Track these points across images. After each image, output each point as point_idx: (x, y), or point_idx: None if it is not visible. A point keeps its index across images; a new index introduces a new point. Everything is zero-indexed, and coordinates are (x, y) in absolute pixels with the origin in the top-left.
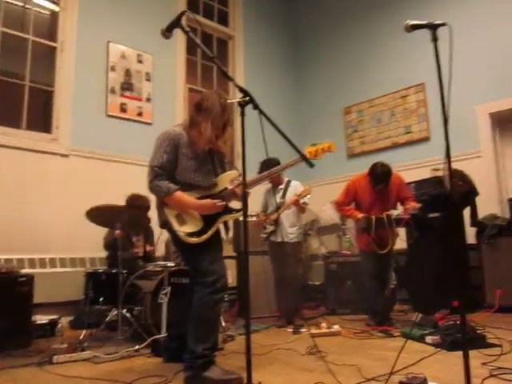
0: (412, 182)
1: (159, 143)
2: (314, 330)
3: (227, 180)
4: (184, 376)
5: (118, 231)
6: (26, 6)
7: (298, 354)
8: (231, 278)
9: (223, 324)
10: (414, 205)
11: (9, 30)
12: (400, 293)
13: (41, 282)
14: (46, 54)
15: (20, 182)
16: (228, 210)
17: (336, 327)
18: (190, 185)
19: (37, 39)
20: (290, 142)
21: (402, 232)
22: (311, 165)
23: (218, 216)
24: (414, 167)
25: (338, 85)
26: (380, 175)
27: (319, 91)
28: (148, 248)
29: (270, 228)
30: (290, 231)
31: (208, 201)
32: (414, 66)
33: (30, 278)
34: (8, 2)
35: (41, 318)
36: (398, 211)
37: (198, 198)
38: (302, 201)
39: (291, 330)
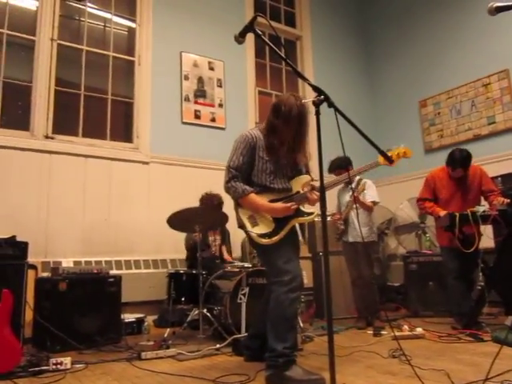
0: (498, 176)
1: (236, 145)
2: (396, 333)
3: (300, 184)
4: (266, 375)
5: (197, 234)
6: (107, 25)
7: (380, 357)
8: (307, 279)
9: (301, 325)
10: (501, 200)
11: (92, 49)
12: (489, 294)
13: (127, 283)
14: (125, 68)
15: (106, 190)
16: (300, 213)
17: (419, 330)
18: (264, 187)
19: (116, 55)
20: (367, 138)
21: (488, 229)
22: (390, 161)
23: (290, 218)
24: (499, 160)
25: (412, 77)
26: (458, 159)
27: (392, 85)
28: (226, 256)
29: (342, 228)
30: (362, 230)
31: (279, 204)
32: (495, 51)
33: (118, 279)
34: (91, 23)
35: (128, 317)
36: (483, 207)
37: (271, 201)
38: (369, 199)
39: (371, 331)
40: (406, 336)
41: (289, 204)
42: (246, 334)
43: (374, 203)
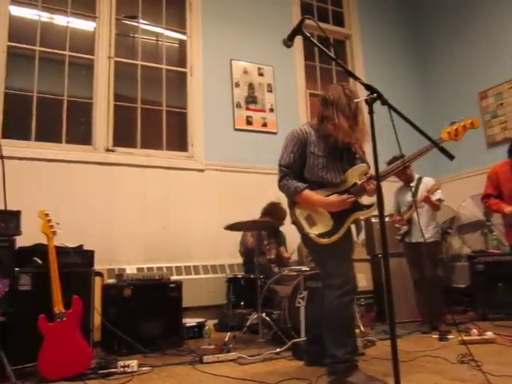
0: None
1: (287, 142)
2: (464, 337)
3: (356, 175)
4: (327, 381)
5: (250, 240)
6: (159, 39)
7: (448, 362)
8: (366, 282)
9: (362, 329)
10: None
11: (146, 63)
12: None
13: (187, 288)
14: (178, 79)
15: (164, 198)
16: (359, 207)
17: (489, 334)
18: (318, 183)
19: (169, 67)
20: (423, 133)
21: None
22: (451, 157)
23: (349, 214)
24: None
25: (470, 68)
26: None
27: (449, 78)
28: (285, 255)
29: (404, 228)
30: (425, 231)
31: (335, 197)
32: None
33: (178, 284)
34: (144, 39)
35: (190, 321)
36: None
37: (327, 196)
38: (434, 197)
39: (437, 336)
40: (475, 340)
41: (344, 196)
42: (305, 338)
43: (440, 201)
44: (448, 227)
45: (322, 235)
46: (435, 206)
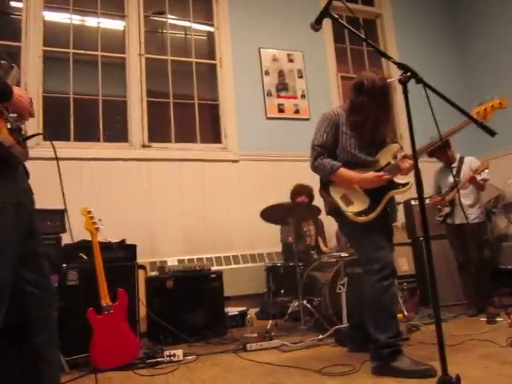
0: None
1: (320, 124)
2: None
3: (390, 154)
4: (372, 366)
5: (290, 238)
6: (187, 33)
7: (497, 346)
8: (408, 266)
9: (406, 313)
10: None
11: (176, 58)
12: None
13: (228, 278)
14: (208, 71)
15: (201, 190)
16: (394, 185)
17: None
18: (352, 162)
19: (199, 60)
20: (463, 111)
21: None
22: (492, 133)
23: (385, 192)
24: None
25: (509, 50)
26: None
27: (487, 60)
28: (324, 249)
29: (446, 210)
30: (469, 211)
31: (371, 173)
32: None
33: (219, 274)
34: (172, 33)
35: (232, 310)
36: None
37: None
38: (479, 177)
39: (484, 319)
40: None
41: (381, 173)
42: (347, 325)
43: (485, 180)
44: (493, 207)
45: (359, 213)
46: (480, 187)
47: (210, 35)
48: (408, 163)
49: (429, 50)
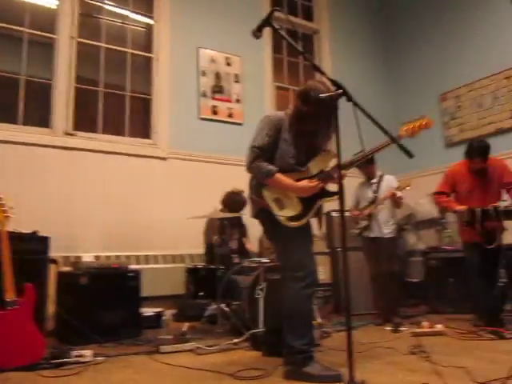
0: None
1: (262, 125)
2: (415, 329)
3: (323, 162)
4: (284, 370)
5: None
6: (125, 22)
7: (400, 354)
8: (325, 274)
9: (319, 320)
10: None
11: (110, 46)
12: (511, 291)
13: (146, 277)
14: (143, 64)
15: (126, 186)
16: (326, 193)
17: (439, 326)
18: (286, 170)
19: (135, 51)
20: (386, 132)
21: (510, 225)
22: (410, 155)
23: (317, 198)
24: None
25: (432, 71)
26: (476, 148)
27: (412, 79)
28: (248, 245)
29: (364, 223)
30: (384, 226)
31: (306, 182)
32: None
33: (137, 273)
34: (109, 20)
35: (148, 311)
36: (506, 202)
37: (295, 181)
38: (399, 194)
39: (390, 328)
40: (426, 333)
41: (314, 183)
42: (263, 329)
43: (401, 199)
44: (405, 223)
45: (291, 218)
46: (398, 204)
47: (149, 28)
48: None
49: (361, 68)
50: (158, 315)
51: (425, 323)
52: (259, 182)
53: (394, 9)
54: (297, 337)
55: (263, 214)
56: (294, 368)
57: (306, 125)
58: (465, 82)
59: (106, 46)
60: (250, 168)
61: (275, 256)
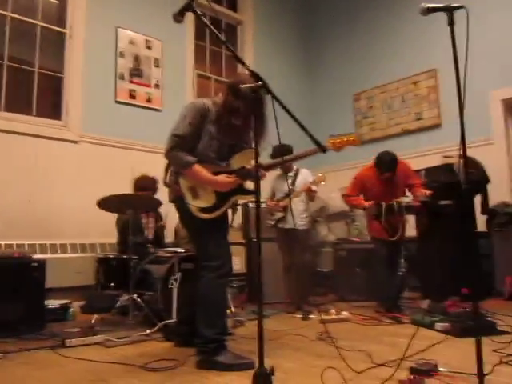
0: (423, 169)
1: (186, 112)
2: (323, 316)
3: (245, 158)
4: (196, 360)
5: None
6: None
7: (308, 340)
8: (240, 265)
9: (233, 309)
10: (424, 192)
11: (18, 16)
12: (410, 280)
13: (52, 268)
14: (55, 40)
15: (31, 169)
16: (242, 190)
17: (345, 313)
18: (207, 162)
19: (46, 25)
20: (302, 126)
21: (412, 219)
22: (324, 150)
23: (232, 194)
24: (424, 154)
25: (349, 71)
26: (387, 162)
27: (329, 77)
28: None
29: (279, 215)
30: (299, 218)
31: (223, 178)
32: (425, 51)
33: (42, 263)
34: None
35: (53, 303)
36: (408, 198)
37: (214, 174)
38: (314, 187)
39: (300, 316)
40: (333, 319)
41: (232, 178)
42: (175, 320)
43: (315, 192)
44: (318, 216)
45: (203, 210)
46: (312, 198)
47: (62, 1)
48: (261, 172)
49: (283, 62)
50: (65, 307)
51: (332, 310)
52: (175, 171)
53: (314, 9)
54: (210, 326)
55: (179, 202)
56: (206, 357)
57: (236, 119)
58: (377, 83)
59: (13, 15)
60: (168, 156)
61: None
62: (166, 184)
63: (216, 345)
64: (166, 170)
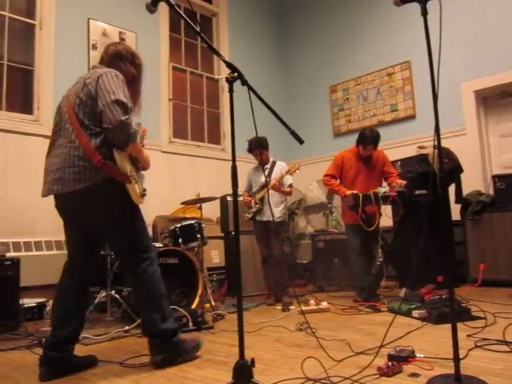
0: (398, 160)
1: (119, 82)
2: (303, 307)
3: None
4: (161, 358)
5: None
6: None
7: (288, 331)
8: (219, 258)
9: (213, 303)
10: (399, 182)
11: None
12: (386, 269)
13: (27, 266)
14: (25, 31)
15: (2, 165)
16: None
17: (324, 304)
18: None
19: (14, 16)
20: (279, 117)
21: (387, 209)
22: (301, 141)
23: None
24: (399, 145)
25: (324, 63)
26: (369, 136)
27: (305, 69)
28: None
29: (256, 207)
30: (275, 210)
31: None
32: (399, 43)
33: (15, 262)
34: None
35: (28, 302)
36: (384, 189)
37: None
38: (287, 181)
39: (280, 307)
40: (312, 310)
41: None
42: None
43: (291, 186)
44: (296, 208)
45: (142, 195)
46: (286, 193)
47: None
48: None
49: (258, 54)
50: (41, 306)
51: (311, 301)
52: (116, 146)
53: (289, 1)
54: (166, 318)
55: (109, 184)
56: (173, 353)
57: (137, 89)
58: (352, 76)
59: None
60: (123, 125)
61: (170, 241)
62: (99, 163)
63: (177, 336)
64: (90, 146)
